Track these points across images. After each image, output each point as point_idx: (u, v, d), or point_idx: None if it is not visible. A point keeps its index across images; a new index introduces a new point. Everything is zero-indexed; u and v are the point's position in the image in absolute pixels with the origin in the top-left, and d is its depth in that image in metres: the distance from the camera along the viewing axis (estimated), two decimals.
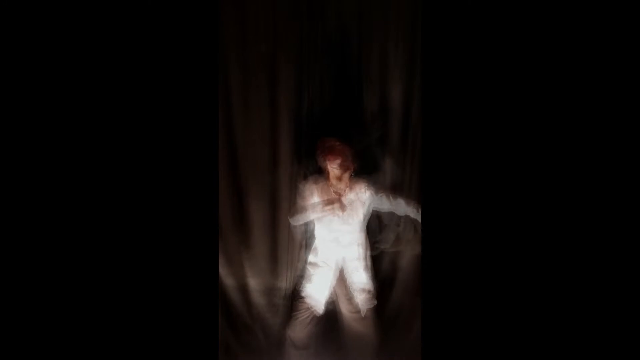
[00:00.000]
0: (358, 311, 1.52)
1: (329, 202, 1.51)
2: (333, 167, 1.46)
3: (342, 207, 1.48)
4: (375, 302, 1.53)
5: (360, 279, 1.54)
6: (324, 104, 1.54)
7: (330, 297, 1.56)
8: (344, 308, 1.54)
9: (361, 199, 1.51)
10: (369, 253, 1.58)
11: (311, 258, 1.60)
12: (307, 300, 1.53)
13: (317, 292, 1.54)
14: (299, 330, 1.51)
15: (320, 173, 1.53)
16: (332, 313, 1.55)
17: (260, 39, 1.43)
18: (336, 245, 1.54)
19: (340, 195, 1.53)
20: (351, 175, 1.53)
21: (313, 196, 1.53)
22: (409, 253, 1.60)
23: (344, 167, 1.46)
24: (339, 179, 1.48)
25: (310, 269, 1.58)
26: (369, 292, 1.55)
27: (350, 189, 1.53)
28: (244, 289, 1.57)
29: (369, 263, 1.57)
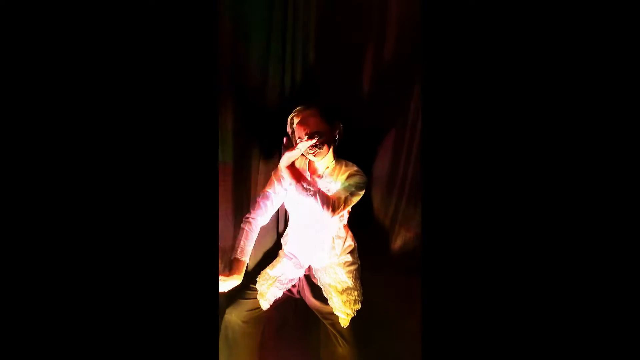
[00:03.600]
0: (333, 315, 1.26)
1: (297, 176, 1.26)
2: (302, 140, 1.22)
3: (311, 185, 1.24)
4: (358, 306, 1.28)
5: (339, 277, 1.32)
6: (324, 104, 1.41)
7: (300, 296, 1.38)
8: (319, 312, 1.31)
9: (338, 185, 1.27)
10: (353, 249, 1.38)
11: (284, 248, 1.42)
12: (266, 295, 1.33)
13: (277, 289, 1.33)
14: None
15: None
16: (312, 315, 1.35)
17: (260, 39, 1.32)
18: (308, 237, 1.34)
19: (314, 176, 1.33)
20: (334, 155, 1.32)
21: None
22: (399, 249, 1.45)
23: (318, 142, 1.22)
24: (314, 156, 1.26)
25: (281, 260, 1.41)
26: (351, 293, 1.30)
27: (331, 171, 1.32)
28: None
29: (354, 260, 1.36)
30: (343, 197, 1.23)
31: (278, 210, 1.52)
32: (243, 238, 1.31)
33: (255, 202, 1.36)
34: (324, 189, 1.29)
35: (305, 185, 1.21)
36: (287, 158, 1.21)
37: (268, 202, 1.35)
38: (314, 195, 1.20)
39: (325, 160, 1.32)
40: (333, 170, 1.33)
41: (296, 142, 1.28)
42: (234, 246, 1.53)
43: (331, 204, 1.20)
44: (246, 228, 1.32)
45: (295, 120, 1.27)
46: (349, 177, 1.28)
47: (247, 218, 1.34)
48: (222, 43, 1.22)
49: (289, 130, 1.32)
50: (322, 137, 1.25)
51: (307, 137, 1.23)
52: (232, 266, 1.27)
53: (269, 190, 1.36)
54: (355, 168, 1.32)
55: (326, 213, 1.20)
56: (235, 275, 1.26)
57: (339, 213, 1.22)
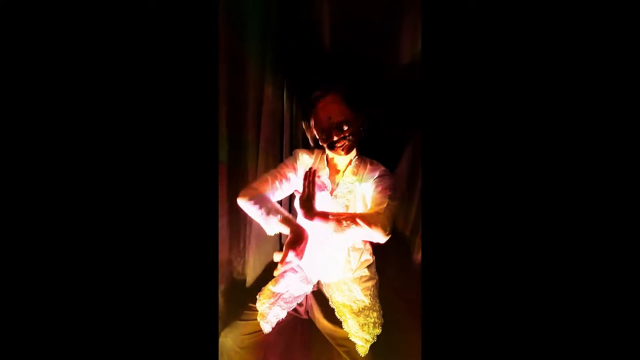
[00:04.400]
0: (349, 341, 1.05)
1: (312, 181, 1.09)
2: (327, 132, 1.04)
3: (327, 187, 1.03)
4: (379, 330, 1.07)
5: (354, 295, 1.11)
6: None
7: (308, 317, 1.17)
8: (332, 337, 1.10)
9: (364, 188, 1.08)
10: (370, 263, 1.18)
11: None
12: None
13: (280, 309, 1.12)
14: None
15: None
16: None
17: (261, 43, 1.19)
18: (319, 247, 1.12)
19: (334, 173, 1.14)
20: (357, 150, 1.13)
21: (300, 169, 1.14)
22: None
23: (345, 135, 1.04)
24: (343, 152, 1.06)
25: (285, 274, 1.19)
26: (369, 314, 1.08)
27: (353, 169, 1.12)
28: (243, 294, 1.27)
29: (371, 274, 1.16)
30: (385, 205, 1.01)
31: None
32: (267, 203, 1.04)
33: (266, 179, 1.12)
34: (344, 190, 1.11)
35: (339, 219, 0.97)
36: (306, 206, 0.98)
37: (284, 185, 1.13)
38: (354, 222, 0.96)
39: (347, 156, 1.13)
40: (356, 167, 1.14)
41: (317, 134, 1.09)
42: (229, 259, 1.34)
43: (379, 221, 0.96)
44: (261, 196, 1.07)
45: (315, 109, 1.08)
46: (379, 178, 1.10)
47: (261, 194, 1.08)
48: (222, 42, 1.10)
49: (303, 123, 1.14)
50: (351, 127, 1.06)
51: (334, 127, 1.04)
52: (290, 227, 1.00)
53: (288, 173, 1.14)
54: (382, 167, 1.14)
55: (379, 235, 0.96)
56: (297, 235, 0.98)
57: (391, 229, 0.99)
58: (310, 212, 0.98)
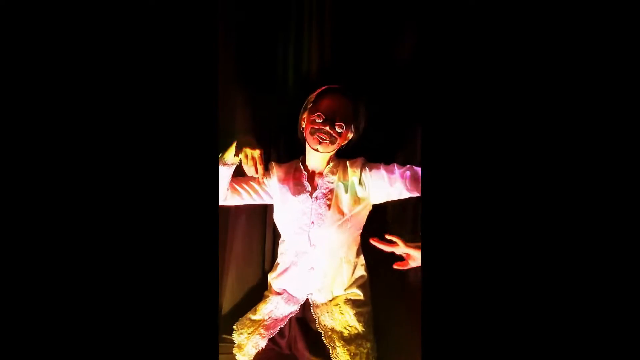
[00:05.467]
0: None
1: (295, 181, 1.03)
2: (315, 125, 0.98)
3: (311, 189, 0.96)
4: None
5: (345, 320, 0.97)
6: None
7: (290, 352, 0.99)
8: None
9: (352, 186, 1.00)
10: (364, 282, 1.04)
11: (272, 284, 1.08)
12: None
13: (260, 338, 0.97)
14: None
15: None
16: None
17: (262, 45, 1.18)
18: (305, 261, 1.01)
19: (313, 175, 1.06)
20: (334, 152, 1.06)
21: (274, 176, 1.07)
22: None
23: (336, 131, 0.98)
24: (321, 145, 0.99)
25: (268, 300, 1.05)
26: (362, 344, 0.94)
27: (331, 169, 1.04)
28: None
29: (365, 299, 1.02)
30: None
31: (265, 238, 1.22)
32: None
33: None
34: (325, 191, 1.02)
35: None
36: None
37: (247, 187, 1.06)
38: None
39: (324, 157, 1.05)
40: (335, 167, 1.06)
41: (306, 118, 1.03)
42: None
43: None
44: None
45: (325, 97, 1.01)
46: (368, 165, 1.04)
47: None
48: (221, 43, 1.09)
49: (304, 106, 1.07)
50: (342, 132, 1.00)
51: (329, 120, 0.98)
52: (232, 149, 0.94)
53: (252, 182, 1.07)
54: (361, 158, 1.07)
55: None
56: (243, 143, 0.92)
57: None
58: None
